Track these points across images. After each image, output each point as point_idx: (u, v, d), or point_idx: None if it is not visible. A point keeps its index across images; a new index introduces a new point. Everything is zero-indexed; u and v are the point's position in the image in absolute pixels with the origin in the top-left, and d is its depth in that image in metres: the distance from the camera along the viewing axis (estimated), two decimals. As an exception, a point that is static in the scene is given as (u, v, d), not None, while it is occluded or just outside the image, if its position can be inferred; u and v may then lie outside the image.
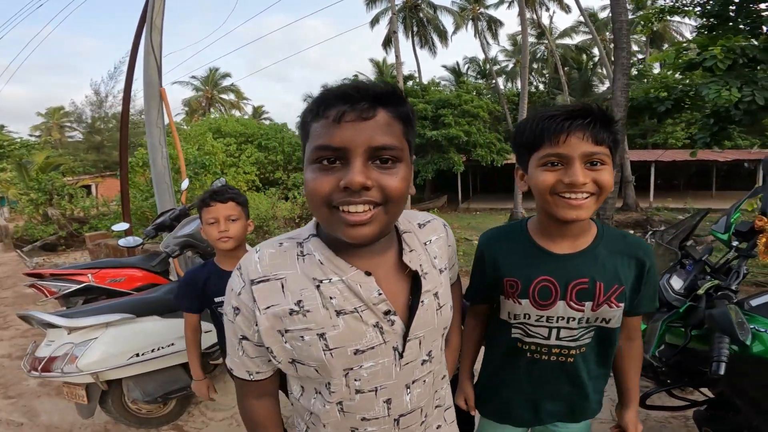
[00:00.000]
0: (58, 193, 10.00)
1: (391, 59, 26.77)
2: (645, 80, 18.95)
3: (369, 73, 27.80)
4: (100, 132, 20.40)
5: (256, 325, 0.70)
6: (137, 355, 1.97)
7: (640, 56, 25.05)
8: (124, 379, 2.01)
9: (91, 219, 9.81)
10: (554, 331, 0.99)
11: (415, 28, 25.71)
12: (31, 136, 27.99)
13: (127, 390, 2.02)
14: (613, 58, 4.85)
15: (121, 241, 3.02)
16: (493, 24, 26.11)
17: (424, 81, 22.32)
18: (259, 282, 0.69)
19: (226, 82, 33.38)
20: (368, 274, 0.69)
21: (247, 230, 1.50)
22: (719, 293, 1.46)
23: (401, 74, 14.61)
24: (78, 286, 2.86)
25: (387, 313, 0.69)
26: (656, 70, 20.05)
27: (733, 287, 1.48)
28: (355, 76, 20.04)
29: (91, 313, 1.96)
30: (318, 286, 0.68)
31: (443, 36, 26.31)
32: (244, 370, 0.76)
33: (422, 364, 0.76)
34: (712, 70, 3.98)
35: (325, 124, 0.59)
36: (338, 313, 0.68)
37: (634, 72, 21.56)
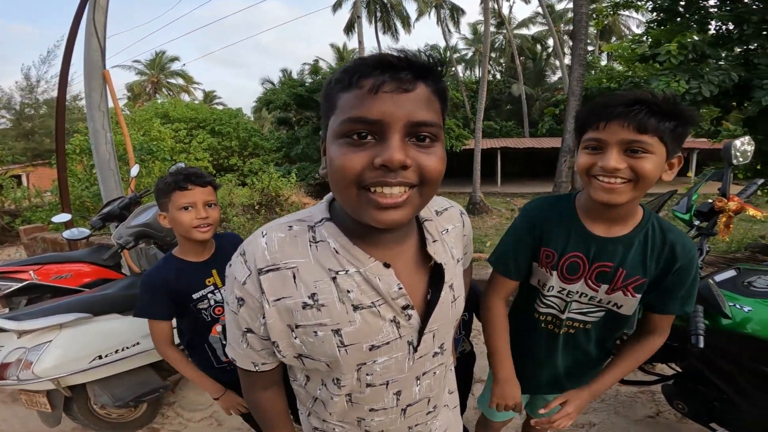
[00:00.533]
0: (-14, 185, 8.95)
1: (352, 45, 26.48)
2: (593, 71, 19.97)
3: (329, 59, 27.12)
4: (30, 118, 18.42)
5: (263, 317, 0.64)
6: (100, 357, 1.79)
7: (590, 48, 26.37)
8: (88, 383, 1.82)
9: (24, 211, 8.88)
10: (568, 305, 1.03)
11: (378, 14, 25.42)
12: (-46, 124, 24.83)
13: (93, 395, 1.83)
14: (565, 50, 5.04)
15: (66, 233, 2.73)
16: (456, 12, 26.37)
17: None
18: (267, 271, 0.63)
19: (174, 66, 31.48)
20: (387, 266, 0.64)
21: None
22: None
23: (364, 58, 14.28)
24: (19, 285, 2.59)
25: (405, 307, 0.66)
26: (603, 62, 21.12)
27: (698, 264, 1.58)
28: (315, 61, 19.53)
29: (41, 314, 1.75)
30: (334, 278, 0.63)
31: (406, 22, 26.26)
32: (249, 361, 0.71)
33: (434, 356, 0.74)
34: (662, 64, 4.26)
35: (358, 94, 0.53)
36: (355, 308, 0.63)
37: (583, 63, 22.66)
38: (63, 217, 3.00)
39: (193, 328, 1.42)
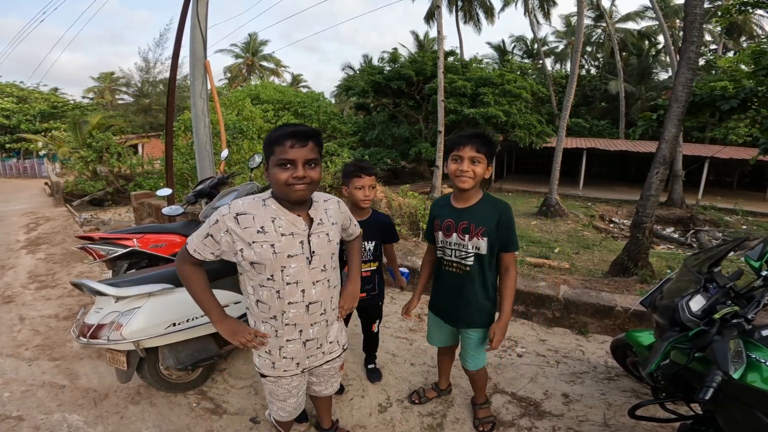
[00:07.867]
0: (108, 152, 10.51)
1: (433, 33, 25.87)
2: (713, 72, 17.28)
3: (410, 46, 27.02)
4: (148, 95, 21.24)
5: (230, 234, 1.30)
6: (174, 324, 2.10)
7: (713, 47, 22.83)
8: (160, 347, 2.15)
9: (137, 176, 10.32)
10: (452, 252, 1.81)
11: (460, 3, 24.46)
12: (84, 98, 29.24)
13: (162, 357, 2.16)
14: (680, 47, 4.27)
15: (164, 210, 3.19)
16: (546, 2, 24.37)
17: (466, 58, 21.25)
18: (240, 215, 1.30)
19: (266, 50, 33.76)
20: (299, 215, 1.37)
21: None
22: (734, 321, 1.49)
23: (442, 50, 13.88)
24: (124, 251, 3.00)
25: (308, 236, 1.38)
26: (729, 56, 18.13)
27: (749, 316, 1.50)
28: (395, 50, 19.60)
29: (136, 282, 2.09)
30: (273, 220, 1.33)
31: (490, 12, 24.99)
32: (194, 248, 1.36)
33: (321, 271, 1.41)
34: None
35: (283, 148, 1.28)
36: (282, 234, 1.33)
37: (701, 62, 19.54)
38: (165, 192, 3.47)
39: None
